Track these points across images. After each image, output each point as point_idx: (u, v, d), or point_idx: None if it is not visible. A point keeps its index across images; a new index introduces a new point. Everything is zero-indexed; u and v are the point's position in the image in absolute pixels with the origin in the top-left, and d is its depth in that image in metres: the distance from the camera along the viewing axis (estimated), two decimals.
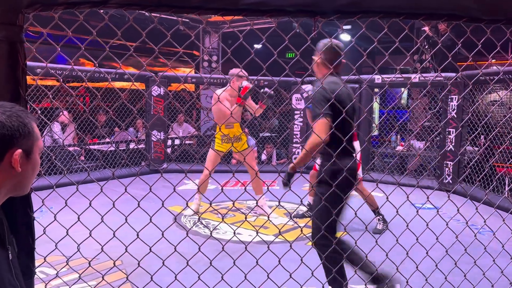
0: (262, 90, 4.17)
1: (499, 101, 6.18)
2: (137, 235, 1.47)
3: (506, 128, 5.83)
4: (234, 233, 1.64)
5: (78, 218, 1.44)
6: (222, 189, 1.54)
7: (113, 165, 6.53)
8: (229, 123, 4.44)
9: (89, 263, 1.55)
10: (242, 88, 4.10)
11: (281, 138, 7.36)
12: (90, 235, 1.47)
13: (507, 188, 5.36)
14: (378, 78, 6.34)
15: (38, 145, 1.06)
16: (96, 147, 6.84)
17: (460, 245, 1.87)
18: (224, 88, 4.53)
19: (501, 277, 1.90)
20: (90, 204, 1.46)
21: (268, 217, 1.79)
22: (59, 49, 1.42)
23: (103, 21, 1.43)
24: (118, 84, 8.32)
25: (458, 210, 1.72)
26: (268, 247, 1.63)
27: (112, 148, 6.54)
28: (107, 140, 7.15)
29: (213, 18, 9.21)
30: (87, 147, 6.68)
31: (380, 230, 3.90)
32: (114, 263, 1.59)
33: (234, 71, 4.37)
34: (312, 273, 1.66)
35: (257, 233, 1.70)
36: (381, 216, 4.00)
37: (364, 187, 4.00)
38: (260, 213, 4.51)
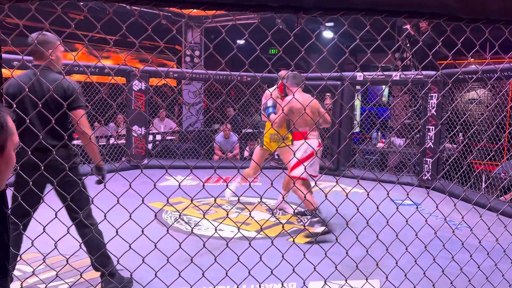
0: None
1: (477, 99, 6.30)
2: (116, 232, 1.45)
3: (483, 126, 5.95)
4: (216, 229, 1.63)
5: (56, 215, 1.41)
6: (203, 185, 1.53)
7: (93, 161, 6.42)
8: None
9: (67, 261, 1.52)
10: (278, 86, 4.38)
11: (263, 134, 7.35)
12: (68, 232, 1.44)
13: (483, 185, 5.49)
14: (360, 76, 6.39)
15: (13, 140, 1.02)
16: (75, 142, 6.72)
17: (438, 241, 1.90)
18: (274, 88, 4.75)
19: (477, 272, 1.94)
20: (68, 199, 1.43)
21: (250, 214, 1.79)
22: (35, 41, 1.37)
23: (82, 13, 1.40)
24: (98, 78, 8.19)
25: (437, 206, 1.75)
26: (249, 243, 1.62)
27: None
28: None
29: (195, 12, 9.13)
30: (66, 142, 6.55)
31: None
32: (92, 260, 1.56)
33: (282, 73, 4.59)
34: (293, 269, 1.67)
35: (238, 229, 1.70)
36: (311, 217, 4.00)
37: (302, 187, 3.93)
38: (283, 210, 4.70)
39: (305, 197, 3.52)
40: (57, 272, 1.60)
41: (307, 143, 2.97)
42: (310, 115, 3.62)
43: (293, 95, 2.97)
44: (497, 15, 1.39)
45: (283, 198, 4.23)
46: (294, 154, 2.69)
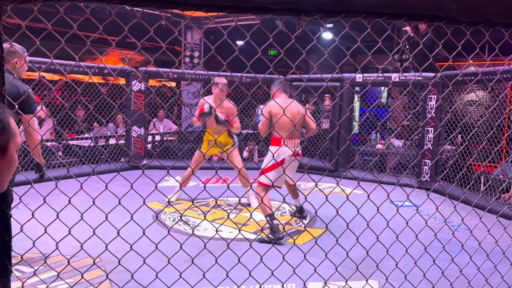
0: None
1: (477, 101, 6.32)
2: (118, 232, 1.45)
3: (482, 128, 5.97)
4: (217, 230, 1.64)
5: (57, 215, 1.41)
6: (204, 186, 1.53)
7: (92, 161, 6.43)
8: (215, 130, 4.77)
9: (68, 261, 1.53)
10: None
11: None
12: (69, 233, 1.44)
13: (483, 187, 5.49)
14: (359, 77, 6.40)
15: (15, 142, 1.02)
16: (75, 142, 6.72)
17: (438, 243, 1.90)
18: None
19: (477, 274, 1.95)
20: (69, 201, 1.43)
21: (251, 215, 1.78)
22: (38, 42, 1.38)
23: (84, 14, 1.40)
24: (98, 79, 8.20)
25: (437, 208, 1.75)
26: (250, 244, 1.63)
27: (92, 144, 6.44)
28: (86, 135, 7.03)
29: (196, 14, 9.13)
30: (66, 142, 6.56)
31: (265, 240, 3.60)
32: (93, 261, 1.57)
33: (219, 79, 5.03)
34: (293, 270, 1.67)
35: (239, 230, 1.70)
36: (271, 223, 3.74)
37: (259, 195, 3.80)
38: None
39: (262, 201, 3.61)
40: (58, 272, 1.61)
41: (271, 151, 3.00)
42: (288, 120, 3.54)
43: (273, 99, 3.10)
44: (496, 18, 1.40)
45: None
46: (270, 159, 2.78)
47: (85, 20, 1.45)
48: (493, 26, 1.43)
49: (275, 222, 3.65)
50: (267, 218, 3.69)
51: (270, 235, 3.64)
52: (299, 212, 4.40)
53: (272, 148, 3.98)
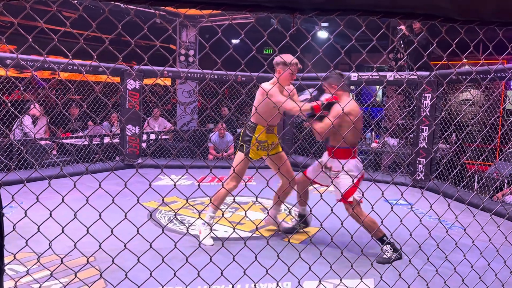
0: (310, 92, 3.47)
1: (471, 100, 6.35)
2: (112, 231, 1.44)
3: (476, 126, 6.00)
4: (211, 229, 1.63)
5: (50, 214, 1.40)
6: (199, 185, 1.53)
7: (87, 160, 6.40)
8: (269, 128, 3.65)
9: (61, 260, 1.52)
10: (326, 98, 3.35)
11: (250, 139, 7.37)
12: (63, 232, 1.43)
13: (476, 185, 5.53)
14: (354, 76, 6.41)
15: None
16: (69, 141, 6.69)
17: (432, 241, 1.91)
18: (271, 81, 3.67)
19: (471, 272, 1.96)
20: (62, 199, 1.42)
21: (245, 213, 1.77)
22: (30, 39, 1.37)
23: (77, 11, 1.39)
24: (92, 77, 8.15)
25: (431, 206, 1.76)
26: (245, 243, 1.62)
27: (86, 143, 6.41)
28: (81, 134, 7.00)
29: (190, 12, 9.12)
30: (60, 141, 6.52)
31: (387, 260, 3.03)
32: (87, 260, 1.56)
33: (279, 58, 3.42)
34: (288, 269, 1.67)
35: (234, 229, 1.70)
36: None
37: (361, 212, 3.21)
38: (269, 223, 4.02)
39: (363, 221, 2.98)
40: (51, 271, 1.60)
41: (346, 168, 2.64)
42: (359, 127, 3.18)
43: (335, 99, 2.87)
44: (491, 16, 1.41)
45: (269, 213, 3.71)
46: (349, 176, 2.48)
47: (79, 18, 1.44)
48: (487, 24, 1.44)
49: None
50: (384, 239, 3.10)
51: (394, 254, 3.06)
52: (304, 222, 3.84)
53: (350, 162, 3.28)
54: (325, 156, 3.57)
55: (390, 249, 3.10)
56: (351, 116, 3.14)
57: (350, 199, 3.22)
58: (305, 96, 3.52)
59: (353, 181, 2.85)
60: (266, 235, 3.76)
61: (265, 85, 3.47)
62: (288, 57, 3.41)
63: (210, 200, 3.29)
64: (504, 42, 1.79)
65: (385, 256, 3.08)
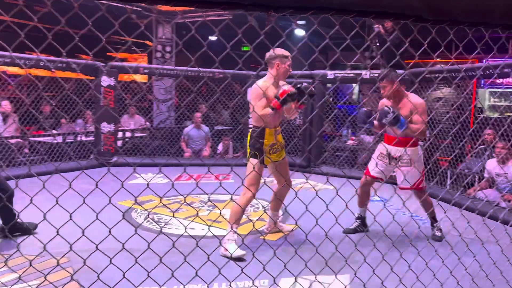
0: (299, 85, 3.31)
1: (442, 98, 6.49)
2: (83, 232, 1.41)
3: (449, 124, 6.14)
4: (185, 228, 1.62)
5: (18, 215, 1.36)
6: (172, 184, 1.51)
7: (60, 158, 6.26)
8: (277, 128, 3.45)
9: (30, 263, 1.47)
10: (280, 92, 3.24)
11: (235, 131, 7.37)
12: (31, 233, 1.39)
13: (449, 181, 5.66)
14: (330, 74, 6.47)
15: None
16: (41, 139, 6.53)
17: (406, 237, 1.95)
18: (265, 78, 3.49)
19: (442, 267, 2.00)
20: (31, 200, 1.38)
21: (220, 212, 1.75)
22: None
23: (46, 7, 1.35)
24: (66, 74, 7.97)
25: (403, 203, 1.79)
26: (220, 242, 1.61)
27: (58, 141, 6.26)
28: (54, 132, 6.84)
29: (166, 8, 9.01)
30: (31, 139, 6.36)
31: (440, 238, 3.37)
32: (57, 262, 1.52)
33: (277, 51, 3.33)
34: (263, 267, 1.67)
35: (209, 228, 1.69)
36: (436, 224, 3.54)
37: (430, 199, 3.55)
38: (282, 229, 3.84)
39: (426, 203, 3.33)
40: (20, 274, 1.55)
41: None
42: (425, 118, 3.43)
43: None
44: (461, 17, 1.43)
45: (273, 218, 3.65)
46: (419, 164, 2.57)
47: (50, 12, 1.39)
48: (458, 25, 1.47)
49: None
50: (436, 217, 3.51)
51: (441, 233, 3.44)
52: (364, 225, 3.62)
53: (420, 151, 3.68)
54: (386, 149, 3.66)
55: (439, 229, 3.40)
56: (420, 109, 3.41)
57: (422, 185, 3.48)
58: (389, 117, 3.45)
59: (424, 167, 3.11)
60: (242, 233, 3.76)
61: (259, 84, 3.32)
62: (282, 51, 3.35)
63: (229, 222, 3.05)
64: (473, 42, 1.83)
65: (437, 234, 3.37)
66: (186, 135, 7.41)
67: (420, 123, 3.39)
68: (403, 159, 3.51)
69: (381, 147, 3.73)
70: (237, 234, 3.07)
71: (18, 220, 3.18)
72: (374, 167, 3.66)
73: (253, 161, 3.25)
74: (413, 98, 3.49)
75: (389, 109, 3.38)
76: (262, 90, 3.23)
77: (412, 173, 3.45)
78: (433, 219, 3.60)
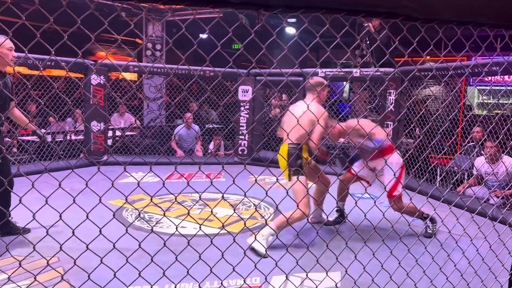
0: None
1: (432, 96, 6.55)
2: (73, 232, 1.40)
3: (438, 121, 6.20)
4: (177, 227, 1.61)
5: (8, 215, 1.35)
6: (163, 183, 1.51)
7: (50, 157, 6.20)
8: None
9: (20, 263, 1.46)
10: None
11: (226, 130, 7.36)
12: (20, 233, 1.38)
13: (438, 178, 5.72)
14: (321, 72, 6.49)
15: None
16: (30, 138, 6.46)
17: (396, 234, 1.96)
18: (311, 100, 3.50)
19: (432, 263, 2.02)
20: (20, 200, 1.37)
21: (212, 211, 1.75)
22: None
23: (38, 4, 1.33)
24: (55, 72, 7.89)
25: (394, 200, 1.80)
26: (211, 241, 1.61)
27: (47, 140, 6.20)
28: (43, 131, 6.77)
29: (154, 6, 8.96)
30: (20, 138, 6.29)
31: (431, 234, 3.55)
32: (47, 262, 1.50)
33: (318, 79, 3.67)
34: (255, 265, 1.67)
35: (200, 227, 1.69)
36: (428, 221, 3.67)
37: (403, 206, 3.51)
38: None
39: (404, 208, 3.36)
40: (9, 275, 1.53)
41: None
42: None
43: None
44: (450, 16, 1.45)
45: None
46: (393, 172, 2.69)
47: (39, 10, 1.38)
48: (446, 23, 1.48)
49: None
50: (424, 216, 3.64)
51: (434, 228, 3.59)
52: (342, 216, 4.08)
53: (393, 157, 3.66)
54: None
55: (431, 224, 3.57)
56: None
57: (396, 192, 3.51)
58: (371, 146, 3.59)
59: (394, 175, 3.17)
60: (234, 232, 3.76)
61: (316, 107, 3.44)
62: (318, 79, 3.71)
63: (267, 224, 3.20)
64: (462, 40, 1.85)
65: (429, 231, 3.55)
66: (177, 135, 7.39)
67: (316, 132, 3.39)
68: (376, 170, 3.66)
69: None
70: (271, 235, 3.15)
71: (12, 221, 3.17)
72: (359, 169, 3.81)
73: (302, 179, 3.27)
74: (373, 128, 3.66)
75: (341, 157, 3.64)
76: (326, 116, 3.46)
77: (384, 182, 3.50)
78: (421, 218, 3.70)
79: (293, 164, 3.34)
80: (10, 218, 3.06)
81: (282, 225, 3.20)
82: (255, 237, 2.99)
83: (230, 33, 1.51)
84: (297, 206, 2.99)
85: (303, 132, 3.24)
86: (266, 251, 2.75)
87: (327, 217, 3.90)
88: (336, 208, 4.05)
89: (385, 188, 3.35)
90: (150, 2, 1.24)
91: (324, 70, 6.73)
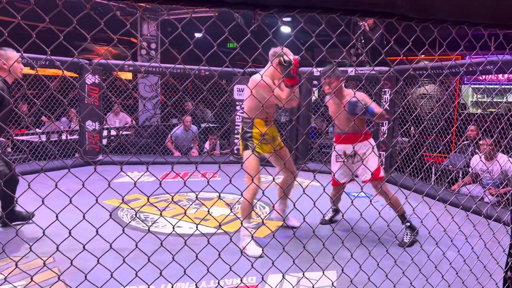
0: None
1: (427, 95, 6.57)
2: (69, 232, 1.40)
3: (433, 120, 6.22)
4: (173, 227, 1.61)
5: (3, 216, 1.34)
6: (160, 183, 1.50)
7: (45, 157, 6.17)
8: (268, 119, 3.51)
9: (16, 264, 1.46)
10: (293, 62, 3.04)
11: (223, 130, 7.35)
12: (17, 234, 1.38)
13: (433, 177, 5.74)
14: (316, 71, 6.49)
15: None
16: (24, 138, 6.43)
17: (392, 232, 1.97)
18: (264, 70, 3.44)
19: (427, 261, 2.04)
20: (16, 201, 1.36)
21: (208, 211, 1.75)
22: None
23: (31, 4, 1.33)
24: (49, 71, 7.86)
25: (389, 199, 1.81)
26: (208, 240, 1.62)
27: (42, 139, 6.17)
28: (38, 130, 6.74)
29: (151, 4, 8.92)
30: (14, 138, 6.25)
31: (406, 243, 3.40)
32: (44, 263, 1.50)
33: (277, 49, 3.30)
34: (252, 265, 1.68)
35: (197, 227, 1.69)
36: (408, 224, 3.54)
37: (388, 189, 3.51)
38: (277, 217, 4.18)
39: (391, 198, 3.29)
40: (6, 276, 1.53)
41: (371, 144, 3.10)
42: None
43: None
44: (445, 15, 1.46)
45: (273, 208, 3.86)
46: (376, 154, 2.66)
47: (41, 9, 1.37)
48: (441, 23, 1.49)
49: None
50: (405, 215, 3.52)
51: (412, 236, 3.46)
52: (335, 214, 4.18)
53: (372, 141, 3.75)
54: (340, 148, 3.75)
55: (410, 233, 3.48)
56: (366, 98, 3.53)
57: (381, 174, 3.47)
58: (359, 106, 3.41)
59: (380, 157, 3.05)
60: (230, 231, 3.76)
61: (258, 77, 3.19)
62: (283, 50, 3.28)
63: (241, 222, 3.20)
64: (457, 39, 1.86)
65: (405, 240, 3.44)
66: (174, 136, 7.37)
67: (375, 107, 3.41)
68: (357, 155, 3.59)
69: (334, 153, 3.88)
70: (250, 228, 3.26)
71: (17, 209, 3.21)
72: (336, 174, 3.76)
73: (247, 153, 3.38)
74: (353, 92, 3.58)
75: (356, 99, 3.35)
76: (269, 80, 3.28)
77: (369, 165, 3.49)
78: (402, 218, 3.53)
79: (242, 139, 3.43)
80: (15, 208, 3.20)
81: (246, 210, 3.33)
82: (241, 251, 2.93)
83: (226, 33, 1.51)
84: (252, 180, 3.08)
85: (253, 106, 3.32)
86: (263, 250, 2.75)
87: (300, 218, 3.71)
88: (332, 208, 4.08)
89: (371, 172, 3.36)
90: (147, 2, 1.24)
91: (319, 69, 6.74)
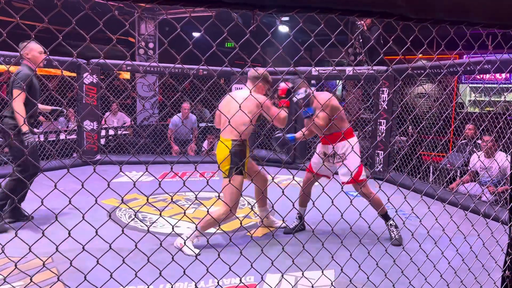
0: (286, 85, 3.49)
1: (425, 94, 6.59)
2: (69, 233, 1.39)
3: (431, 120, 6.24)
4: (173, 228, 1.61)
5: (1, 216, 1.34)
6: (159, 183, 1.50)
7: (43, 157, 6.16)
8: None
9: (15, 264, 1.45)
10: (279, 90, 3.47)
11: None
12: (16, 235, 1.37)
13: (431, 176, 5.76)
14: (315, 71, 6.50)
15: None
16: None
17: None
18: (252, 89, 3.45)
19: (426, 261, 2.04)
20: (14, 201, 1.36)
21: (208, 211, 1.74)
22: None
23: (30, 3, 1.32)
24: (48, 71, 7.84)
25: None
26: (207, 240, 1.62)
27: (41, 139, 6.16)
28: (36, 130, 6.72)
29: (149, 5, 8.90)
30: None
31: (398, 242, 3.23)
32: (43, 263, 1.50)
33: (257, 72, 3.49)
34: (251, 265, 1.68)
35: (196, 227, 1.68)
36: (392, 222, 3.45)
37: (370, 190, 3.44)
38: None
39: (372, 198, 3.25)
40: (5, 277, 1.53)
41: (350, 143, 3.03)
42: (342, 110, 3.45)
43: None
44: (443, 15, 1.46)
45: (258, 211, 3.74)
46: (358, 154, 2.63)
47: (32, 10, 1.37)
48: (440, 23, 1.49)
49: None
50: (388, 215, 3.42)
51: (397, 237, 3.31)
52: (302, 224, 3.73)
53: (353, 140, 3.55)
54: (321, 147, 3.70)
55: (395, 230, 3.34)
56: (334, 102, 3.50)
57: (362, 177, 3.39)
58: (300, 95, 3.54)
59: (361, 158, 3.00)
60: (229, 231, 3.76)
61: (262, 97, 3.32)
62: (262, 71, 3.51)
63: (196, 227, 3.01)
64: (455, 39, 1.87)
65: (396, 237, 3.27)
66: (174, 126, 7.35)
67: (321, 119, 3.39)
68: (337, 155, 3.52)
69: (318, 147, 3.83)
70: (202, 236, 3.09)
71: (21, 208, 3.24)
72: (313, 164, 3.71)
73: (238, 178, 3.22)
74: (320, 95, 3.62)
75: (304, 91, 3.47)
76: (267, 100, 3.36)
77: (349, 166, 3.39)
78: (384, 217, 3.41)
79: (238, 162, 3.24)
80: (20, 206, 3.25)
81: (210, 226, 3.15)
82: (185, 242, 2.84)
83: (226, 33, 1.51)
84: (227, 204, 3.05)
85: (244, 126, 3.17)
86: (199, 253, 2.50)
87: (283, 222, 3.52)
88: (298, 215, 3.67)
89: (351, 173, 3.28)
90: (146, 2, 1.24)
91: (317, 68, 6.74)
